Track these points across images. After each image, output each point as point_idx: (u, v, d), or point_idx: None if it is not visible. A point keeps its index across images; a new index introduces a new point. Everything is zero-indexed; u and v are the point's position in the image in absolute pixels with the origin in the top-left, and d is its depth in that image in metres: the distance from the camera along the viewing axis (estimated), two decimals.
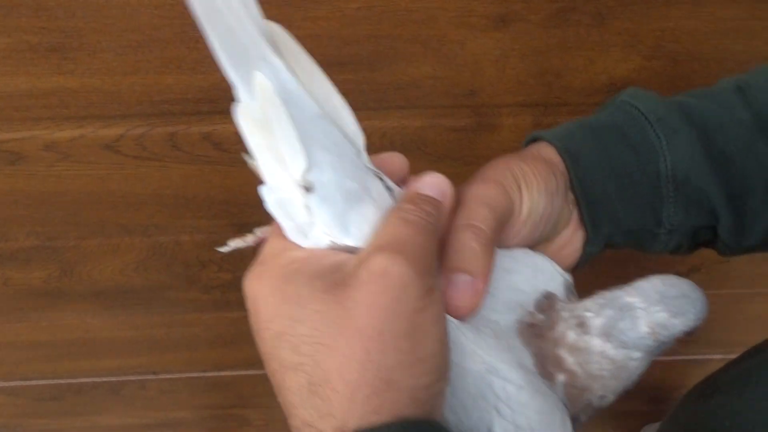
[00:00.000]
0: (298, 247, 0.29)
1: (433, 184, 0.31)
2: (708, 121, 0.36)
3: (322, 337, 0.27)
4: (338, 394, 0.26)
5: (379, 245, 0.28)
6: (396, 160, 0.32)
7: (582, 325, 0.30)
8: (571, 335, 0.30)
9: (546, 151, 0.36)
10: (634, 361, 0.30)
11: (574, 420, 0.32)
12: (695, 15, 0.53)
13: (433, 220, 0.29)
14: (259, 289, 0.28)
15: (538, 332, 0.31)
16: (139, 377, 0.84)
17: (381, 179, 0.30)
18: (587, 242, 0.36)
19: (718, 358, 0.85)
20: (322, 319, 0.27)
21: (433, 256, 0.29)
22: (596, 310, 0.30)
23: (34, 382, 0.83)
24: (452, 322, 0.30)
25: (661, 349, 0.31)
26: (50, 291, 0.72)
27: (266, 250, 0.30)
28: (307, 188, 0.29)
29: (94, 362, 0.81)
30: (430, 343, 0.27)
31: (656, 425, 0.91)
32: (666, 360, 0.87)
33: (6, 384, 0.84)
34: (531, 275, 0.33)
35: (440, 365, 0.28)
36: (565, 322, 0.31)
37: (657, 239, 0.37)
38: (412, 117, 0.58)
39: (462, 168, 0.63)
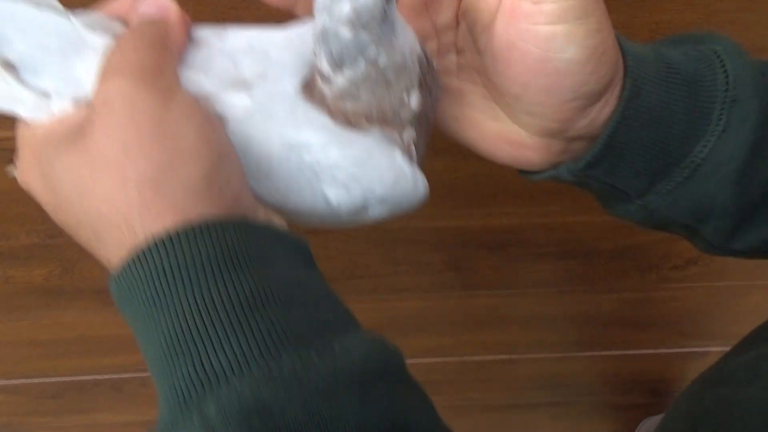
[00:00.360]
0: (41, 123, 0.29)
1: (149, 4, 0.30)
2: None
3: (80, 187, 0.27)
4: (115, 225, 0.27)
5: (99, 78, 0.28)
6: (123, 2, 0.31)
7: (322, 77, 0.30)
8: (326, 89, 0.30)
9: None
10: (380, 58, 0.29)
11: (411, 144, 0.31)
12: (690, 8, 0.53)
13: (153, 33, 0.29)
14: (25, 178, 0.30)
15: (314, 92, 0.31)
16: (141, 374, 0.84)
17: (95, 31, 0.30)
18: (565, 168, 0.34)
19: (716, 350, 0.86)
20: (74, 171, 0.27)
21: (164, 61, 0.29)
22: (317, 52, 0.30)
23: (35, 380, 0.84)
24: (234, 118, 0.30)
25: (386, 12, 0.29)
26: (51, 289, 0.72)
27: (18, 142, 0.30)
28: (8, 65, 0.29)
29: (95, 360, 0.82)
30: (186, 133, 0.27)
31: (656, 418, 0.92)
32: (665, 353, 0.88)
33: (7, 382, 0.84)
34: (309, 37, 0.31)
35: (210, 150, 0.27)
36: (316, 78, 0.30)
37: (626, 205, 0.35)
38: None
39: (461, 162, 0.63)
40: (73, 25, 0.30)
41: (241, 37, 0.32)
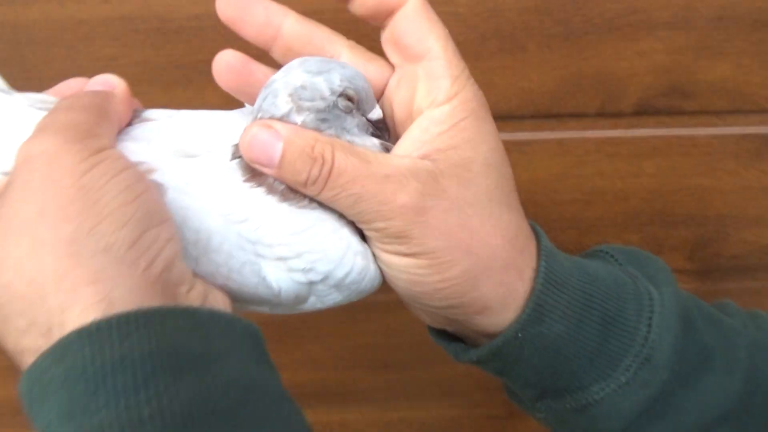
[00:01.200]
0: None
1: (97, 81, 0.30)
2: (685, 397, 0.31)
3: None
4: (28, 299, 0.23)
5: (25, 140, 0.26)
6: (72, 83, 0.31)
7: None
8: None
9: (528, 251, 0.30)
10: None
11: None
12: None
13: (90, 99, 0.28)
14: None
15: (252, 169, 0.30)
16: None
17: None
18: (453, 350, 0.33)
19: None
20: None
21: (98, 125, 0.26)
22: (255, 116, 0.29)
23: None
24: (174, 188, 0.28)
25: (331, 116, 0.29)
26: None
27: None
28: None
29: None
30: (112, 194, 0.24)
31: None
32: None
33: None
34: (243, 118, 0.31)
35: (139, 213, 0.24)
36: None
37: (519, 402, 0.35)
38: (450, 407, 0.64)
39: None
40: (14, 102, 0.29)
41: (191, 116, 0.31)
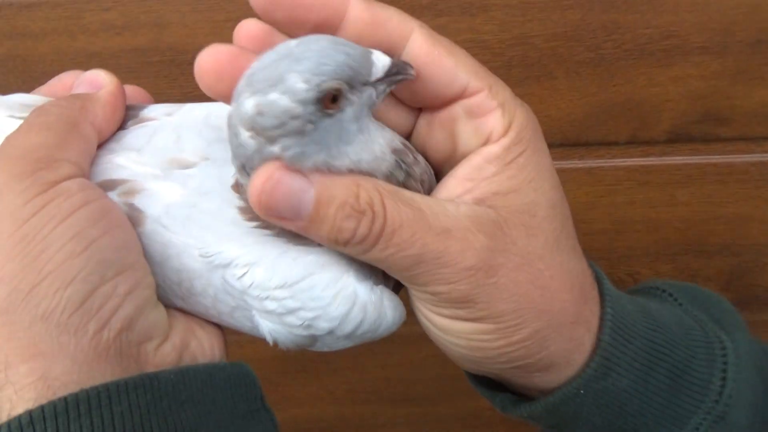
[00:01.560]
0: None
1: (84, 80, 0.27)
2: None
3: None
4: None
5: None
6: (65, 78, 0.28)
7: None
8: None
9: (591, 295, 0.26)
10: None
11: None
12: None
13: (59, 112, 0.24)
14: None
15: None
16: None
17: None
18: (499, 402, 0.29)
19: None
20: None
21: (59, 148, 0.23)
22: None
23: None
24: (153, 216, 0.24)
25: (322, 128, 0.22)
26: None
27: None
28: None
29: None
30: (57, 245, 0.21)
31: None
32: None
33: None
34: None
35: (88, 265, 0.21)
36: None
37: None
38: None
39: None
40: None
41: (192, 113, 0.27)
